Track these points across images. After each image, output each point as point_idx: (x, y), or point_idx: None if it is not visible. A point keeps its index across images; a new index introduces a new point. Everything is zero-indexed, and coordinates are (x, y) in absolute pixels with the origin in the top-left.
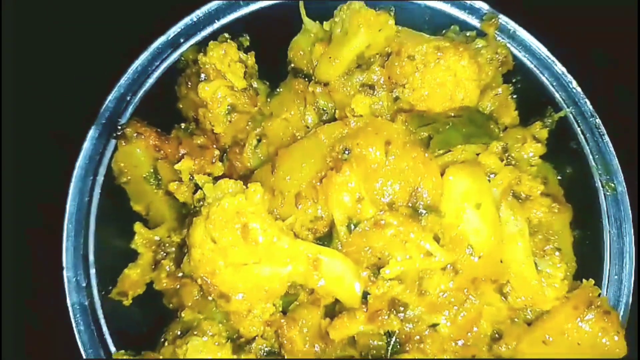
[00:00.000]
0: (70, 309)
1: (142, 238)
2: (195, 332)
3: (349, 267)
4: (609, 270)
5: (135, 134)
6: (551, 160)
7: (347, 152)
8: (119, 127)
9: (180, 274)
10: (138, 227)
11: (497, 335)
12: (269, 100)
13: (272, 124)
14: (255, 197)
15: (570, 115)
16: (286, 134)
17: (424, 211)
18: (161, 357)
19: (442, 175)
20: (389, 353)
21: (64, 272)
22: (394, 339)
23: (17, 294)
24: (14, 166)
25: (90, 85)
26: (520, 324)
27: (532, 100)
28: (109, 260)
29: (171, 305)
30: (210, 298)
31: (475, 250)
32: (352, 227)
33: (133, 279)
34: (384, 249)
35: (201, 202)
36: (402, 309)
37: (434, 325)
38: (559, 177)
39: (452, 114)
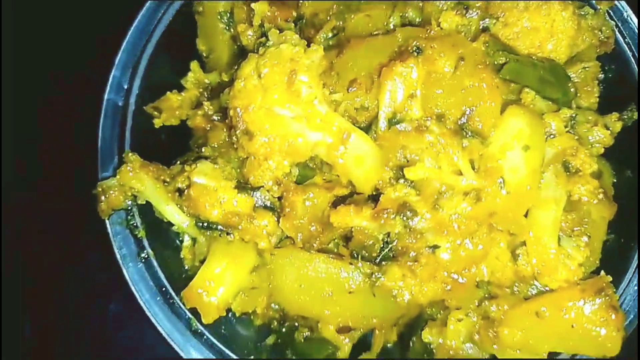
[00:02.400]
0: (104, 103)
1: (194, 77)
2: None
3: (375, 153)
4: (629, 282)
5: None
6: (613, 160)
7: (418, 50)
8: None
9: (216, 118)
10: (195, 65)
11: (491, 295)
12: None
13: (355, 18)
14: (314, 55)
15: None
16: (365, 30)
17: (470, 133)
18: (168, 179)
19: (502, 111)
20: (379, 257)
21: (113, 70)
22: (389, 246)
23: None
24: None
25: None
26: (518, 296)
27: (617, 93)
28: (157, 82)
29: (196, 147)
30: (235, 135)
31: (506, 185)
32: (394, 122)
33: (172, 103)
34: (416, 153)
35: (261, 45)
36: (409, 214)
37: (434, 248)
38: (614, 180)
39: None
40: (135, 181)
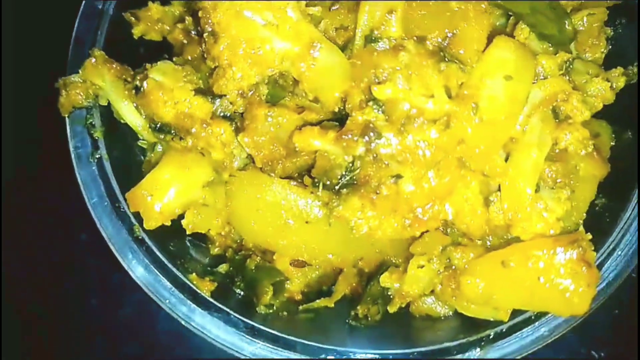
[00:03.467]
0: (82, 5)
1: None
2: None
3: (344, 66)
4: (613, 246)
5: None
6: (614, 121)
7: None
8: None
9: (194, 32)
10: None
11: (456, 243)
12: None
13: None
14: None
15: None
16: None
17: (449, 57)
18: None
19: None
20: (340, 184)
21: None
22: (352, 174)
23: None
24: None
25: None
26: (486, 247)
27: (626, 50)
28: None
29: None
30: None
31: (480, 112)
32: (371, 40)
33: (153, 14)
34: (389, 72)
35: None
36: (372, 136)
37: (397, 177)
38: (612, 144)
39: None
40: (96, 77)
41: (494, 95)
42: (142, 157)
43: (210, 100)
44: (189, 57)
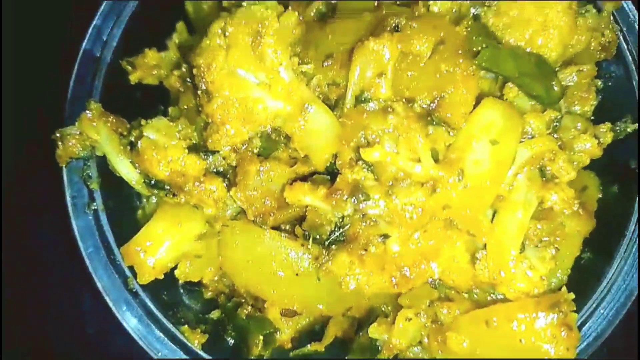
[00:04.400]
0: (80, 52)
1: (179, 37)
2: (167, 117)
3: (334, 127)
4: (596, 304)
5: None
6: (600, 174)
7: (396, 28)
8: None
9: (188, 79)
10: (181, 25)
11: (444, 296)
12: None
13: None
14: (286, 19)
15: None
16: (354, 6)
17: (437, 121)
18: (126, 125)
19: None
20: (329, 239)
21: (94, 20)
22: (341, 231)
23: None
24: None
25: None
26: (474, 302)
27: (616, 103)
28: (138, 38)
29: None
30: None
31: (465, 178)
32: (361, 101)
33: (149, 60)
34: (377, 134)
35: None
36: (361, 197)
37: (384, 237)
38: (599, 196)
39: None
40: (92, 130)
41: (480, 160)
42: (138, 202)
43: (203, 156)
44: (185, 107)
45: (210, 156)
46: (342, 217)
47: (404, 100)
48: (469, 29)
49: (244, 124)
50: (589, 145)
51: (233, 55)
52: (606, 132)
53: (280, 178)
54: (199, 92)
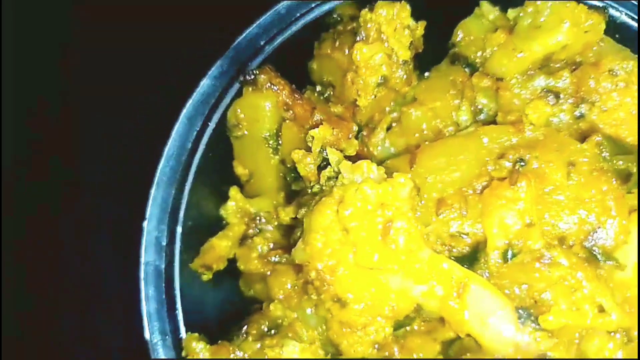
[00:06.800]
0: (142, 267)
1: (236, 206)
2: (289, 334)
3: (502, 304)
4: None
5: (268, 84)
6: None
7: (521, 163)
8: (251, 72)
9: (275, 258)
10: (234, 191)
11: None
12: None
13: (415, 111)
14: (403, 190)
15: None
16: (429, 127)
17: (602, 258)
18: (245, 356)
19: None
20: None
21: (145, 223)
22: None
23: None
24: None
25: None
26: None
27: None
28: (197, 223)
29: (251, 291)
30: (315, 293)
31: None
32: (510, 256)
33: (219, 252)
34: (544, 291)
35: (331, 182)
36: None
37: None
38: None
39: None
40: None
41: None
42: None
43: None
44: (281, 295)
45: None
46: None
47: (555, 243)
48: (602, 147)
49: (386, 318)
50: None
51: (364, 252)
52: None
53: (430, 355)
54: (323, 295)
